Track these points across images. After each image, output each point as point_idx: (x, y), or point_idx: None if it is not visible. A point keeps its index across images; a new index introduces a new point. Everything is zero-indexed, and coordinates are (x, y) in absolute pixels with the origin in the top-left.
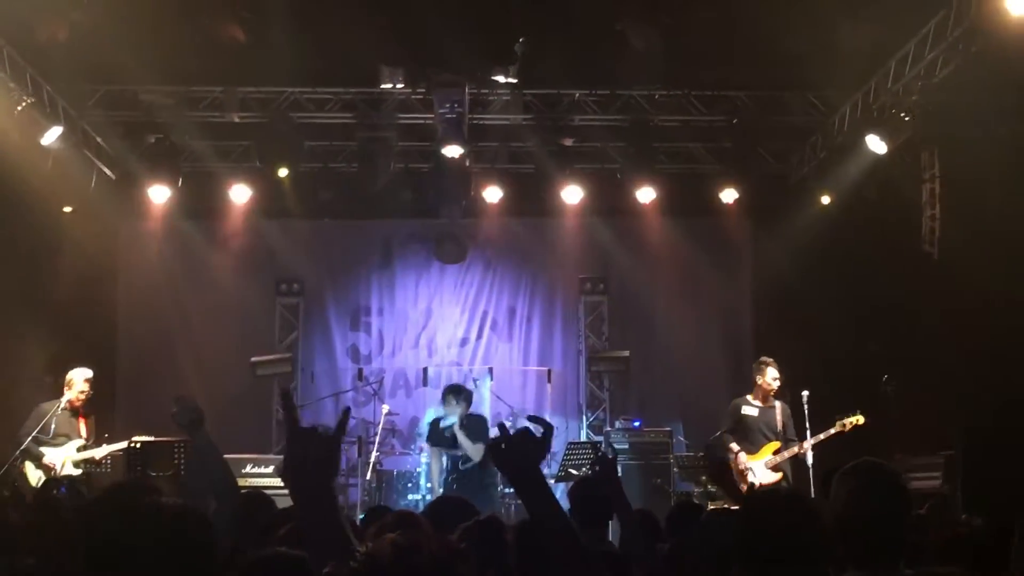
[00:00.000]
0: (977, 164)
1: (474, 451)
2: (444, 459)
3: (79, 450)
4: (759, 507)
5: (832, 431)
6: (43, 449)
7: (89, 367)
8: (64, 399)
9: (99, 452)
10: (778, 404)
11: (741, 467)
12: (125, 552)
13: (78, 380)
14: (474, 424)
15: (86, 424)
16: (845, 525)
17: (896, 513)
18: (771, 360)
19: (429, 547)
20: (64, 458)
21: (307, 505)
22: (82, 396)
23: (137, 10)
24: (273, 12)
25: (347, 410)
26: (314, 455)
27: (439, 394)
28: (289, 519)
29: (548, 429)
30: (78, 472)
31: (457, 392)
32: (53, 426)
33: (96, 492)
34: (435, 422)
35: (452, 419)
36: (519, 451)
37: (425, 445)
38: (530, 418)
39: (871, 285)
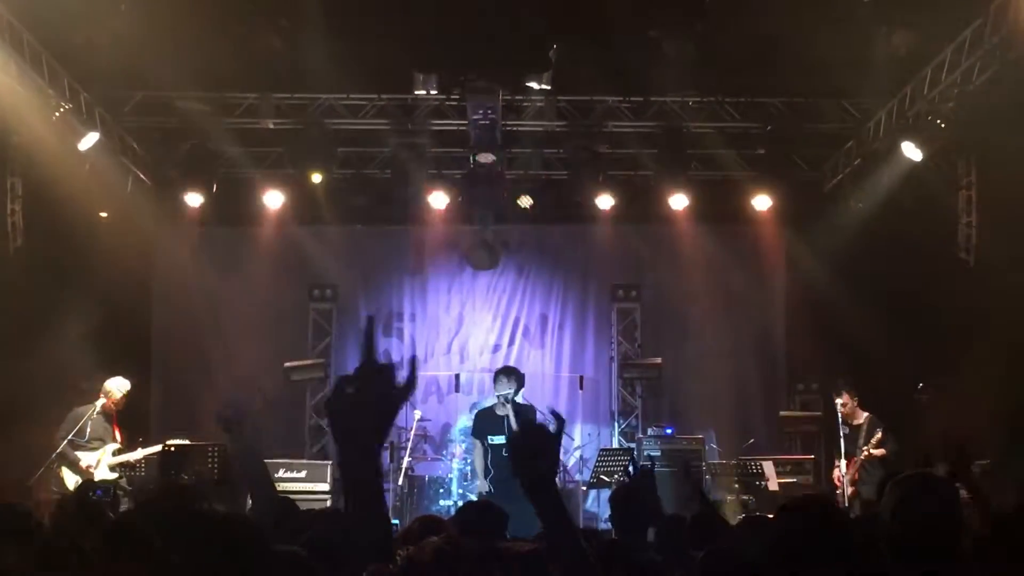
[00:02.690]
0: (1013, 171)
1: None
2: (488, 452)
3: (114, 454)
4: (792, 515)
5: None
6: (79, 453)
7: (123, 372)
8: (99, 403)
9: (134, 456)
10: (865, 421)
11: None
12: (175, 556)
13: (114, 389)
14: (525, 411)
15: (119, 428)
16: (892, 533)
17: (947, 522)
18: (841, 384)
19: (471, 553)
20: (100, 461)
21: (349, 455)
22: (118, 404)
23: (173, 17)
24: (308, 19)
25: (414, 358)
26: (375, 397)
27: (470, 401)
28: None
29: (560, 421)
30: (114, 475)
31: (509, 372)
32: (88, 430)
33: (137, 495)
34: (481, 411)
35: (509, 391)
36: (533, 449)
37: (459, 450)
38: (553, 413)
39: (906, 293)
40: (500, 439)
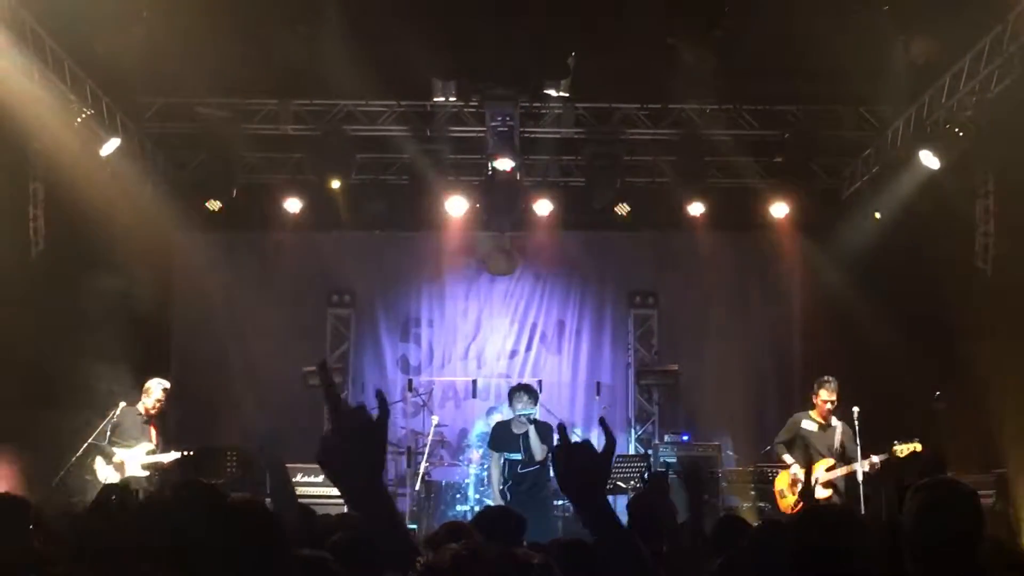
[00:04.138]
0: None
1: (539, 450)
2: (505, 466)
3: (148, 454)
4: (811, 523)
5: (887, 456)
6: (115, 448)
7: (143, 377)
8: (140, 405)
9: (166, 458)
10: (839, 425)
11: (793, 479)
12: (203, 548)
13: (155, 389)
14: (542, 428)
15: (156, 431)
16: (915, 541)
17: (968, 531)
18: (827, 380)
19: (490, 559)
20: (133, 459)
21: (354, 492)
22: (158, 404)
23: (194, 24)
24: (328, 26)
25: (380, 392)
26: (361, 437)
27: (487, 406)
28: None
29: (611, 442)
30: (145, 474)
31: (527, 389)
32: (127, 427)
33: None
34: (499, 425)
35: (532, 410)
36: (579, 466)
37: (476, 455)
38: (601, 421)
39: (923, 301)
40: (517, 456)
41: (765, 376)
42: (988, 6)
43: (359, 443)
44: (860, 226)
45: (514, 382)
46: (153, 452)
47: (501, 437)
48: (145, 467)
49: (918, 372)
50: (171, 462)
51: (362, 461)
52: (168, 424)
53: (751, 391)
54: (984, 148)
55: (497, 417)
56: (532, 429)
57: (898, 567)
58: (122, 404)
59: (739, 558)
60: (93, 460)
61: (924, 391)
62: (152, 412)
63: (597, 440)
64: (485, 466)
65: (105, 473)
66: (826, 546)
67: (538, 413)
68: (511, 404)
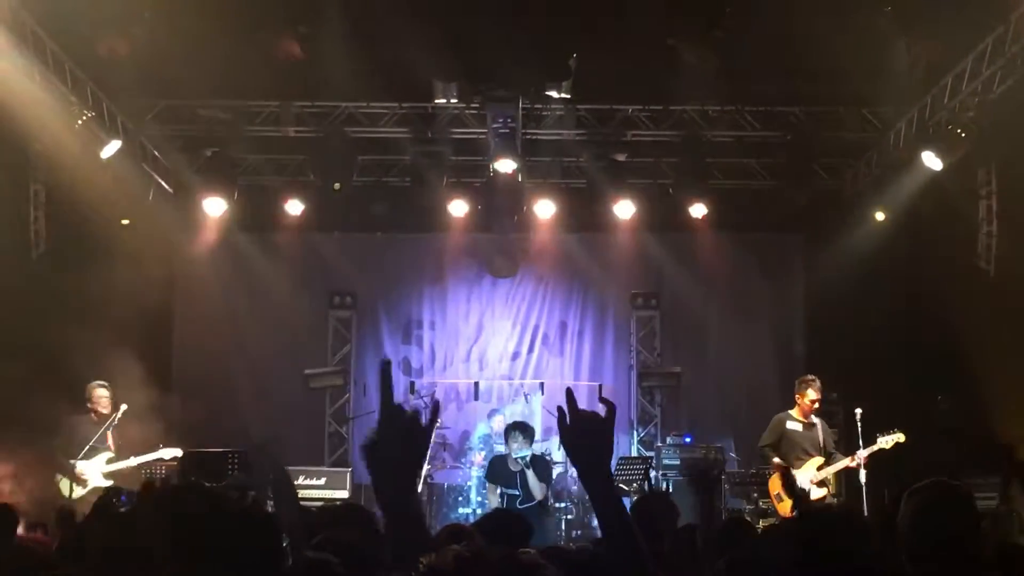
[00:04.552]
0: None
1: (538, 489)
2: (502, 498)
3: (108, 462)
4: (815, 525)
5: (874, 448)
6: (75, 462)
7: (144, 378)
8: (90, 413)
9: (129, 463)
10: (819, 422)
11: (785, 479)
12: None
13: (90, 392)
14: (539, 464)
15: (113, 435)
16: (912, 542)
17: (964, 532)
18: (813, 379)
19: (493, 561)
20: (94, 470)
21: (387, 489)
22: (103, 403)
23: (195, 26)
24: (329, 28)
25: (437, 402)
26: (406, 438)
27: (489, 408)
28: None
29: (611, 409)
30: (108, 483)
31: (524, 429)
32: (82, 437)
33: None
34: (497, 459)
35: (526, 451)
36: (585, 430)
37: (478, 458)
38: (601, 398)
39: (926, 302)
40: (515, 492)
41: (767, 378)
42: (990, 7)
43: (404, 444)
44: (862, 227)
45: (516, 384)
46: (113, 460)
47: (499, 472)
48: (107, 476)
49: (921, 373)
50: (135, 467)
51: (402, 462)
52: (169, 425)
53: (753, 393)
54: (986, 149)
55: (499, 420)
56: (531, 472)
57: (900, 566)
58: (123, 407)
59: (743, 560)
60: (58, 479)
61: (927, 392)
62: (103, 413)
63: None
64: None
65: (67, 487)
66: (830, 547)
67: (528, 447)
68: (506, 442)
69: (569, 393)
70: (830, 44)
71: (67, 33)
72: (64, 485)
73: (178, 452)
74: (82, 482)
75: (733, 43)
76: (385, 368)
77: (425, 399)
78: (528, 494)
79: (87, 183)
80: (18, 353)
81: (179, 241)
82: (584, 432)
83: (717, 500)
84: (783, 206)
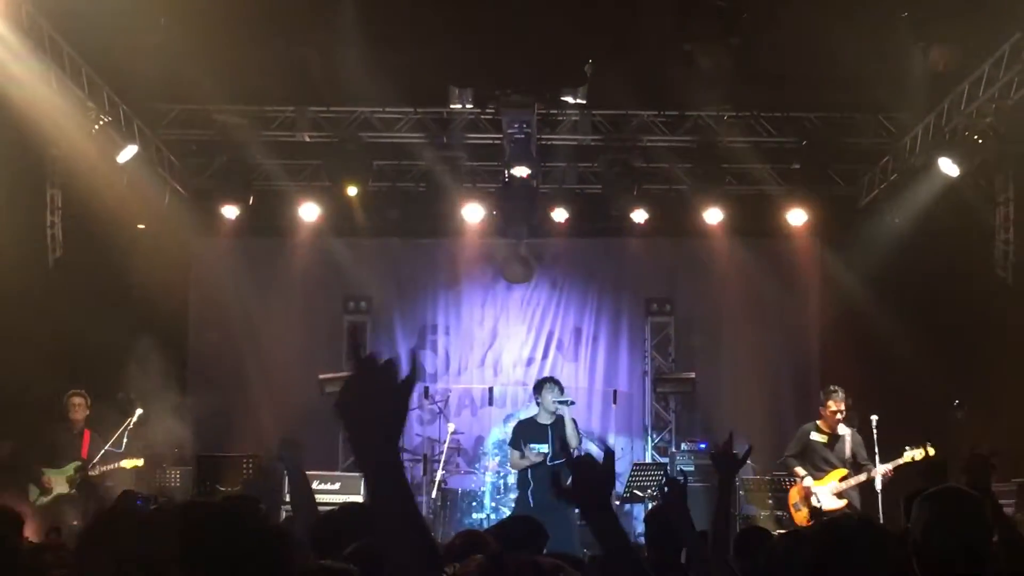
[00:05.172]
0: None
1: (575, 436)
2: (529, 466)
3: (76, 471)
4: (831, 533)
5: (900, 461)
6: (45, 469)
7: (159, 383)
8: (67, 420)
9: (95, 472)
10: (848, 432)
11: (805, 492)
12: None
13: (66, 400)
14: (561, 425)
15: (87, 443)
16: (923, 551)
17: (976, 541)
18: (835, 390)
19: (515, 569)
20: (60, 478)
21: (364, 445)
22: (77, 411)
23: (212, 32)
24: (345, 33)
25: (413, 352)
26: (383, 388)
27: (504, 414)
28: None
29: (609, 455)
30: (71, 491)
31: (556, 380)
32: (57, 445)
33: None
34: (522, 421)
35: (565, 396)
36: (586, 482)
37: (492, 463)
38: (598, 439)
39: (942, 309)
40: (544, 448)
41: (783, 384)
42: (1007, 13)
43: (380, 394)
44: (878, 234)
45: (531, 390)
46: (82, 467)
47: (526, 431)
48: (73, 484)
49: (937, 380)
50: (100, 474)
51: (380, 414)
52: (184, 429)
53: (769, 399)
54: (1003, 155)
55: (513, 424)
56: (567, 412)
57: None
58: (139, 411)
59: (759, 569)
60: (27, 486)
61: (943, 399)
62: (77, 420)
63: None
64: (501, 474)
65: (35, 495)
66: (845, 557)
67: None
68: (540, 395)
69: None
70: (846, 50)
71: (84, 38)
72: (32, 491)
73: (139, 462)
74: (47, 490)
75: (749, 49)
76: (352, 332)
77: (439, 404)
78: (562, 446)
79: (103, 188)
80: (35, 356)
81: (194, 246)
82: (584, 481)
83: (735, 489)
84: (799, 212)
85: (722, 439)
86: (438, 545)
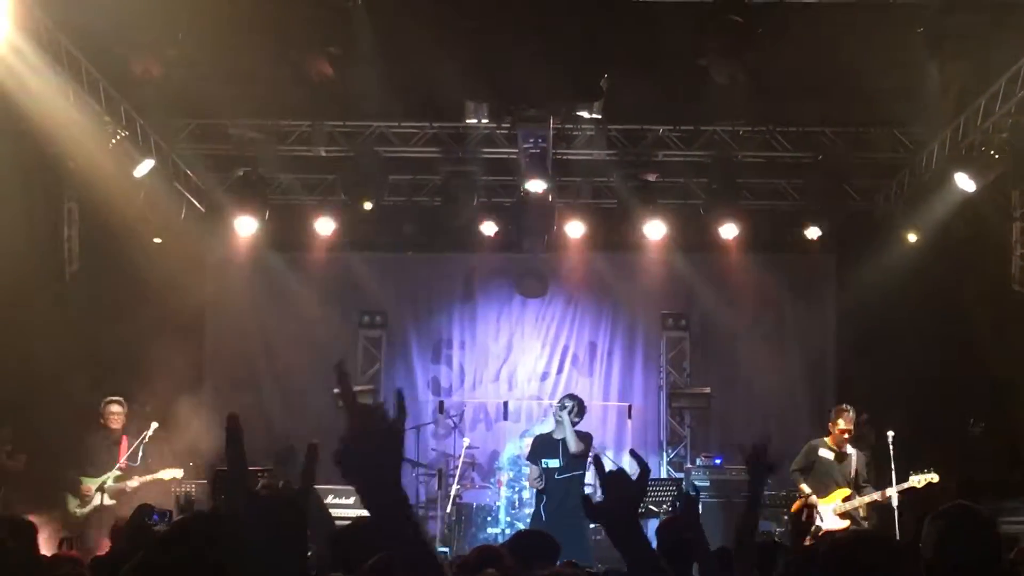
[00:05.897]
0: None
1: (574, 442)
2: (543, 476)
3: (116, 480)
4: (846, 549)
5: (905, 486)
6: (84, 478)
7: (176, 395)
8: (103, 428)
9: (132, 483)
10: (854, 453)
11: (807, 511)
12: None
13: (104, 408)
14: (582, 435)
15: (122, 452)
16: (935, 569)
17: (986, 558)
18: (846, 408)
19: None
20: (100, 488)
21: (371, 492)
22: (114, 420)
23: (228, 47)
24: (361, 48)
25: (399, 392)
26: (377, 437)
27: (519, 429)
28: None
29: (645, 470)
30: (112, 503)
31: (574, 396)
32: (94, 452)
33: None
34: (541, 435)
35: (571, 404)
36: (615, 495)
37: (507, 477)
38: (632, 453)
39: (958, 324)
40: (554, 462)
41: (798, 399)
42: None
43: (373, 443)
44: (894, 249)
45: (545, 404)
46: (121, 478)
47: (542, 445)
48: (112, 495)
49: (953, 397)
50: (136, 487)
51: (376, 461)
52: (200, 443)
53: (784, 414)
54: (1020, 170)
55: (528, 441)
56: (565, 417)
57: None
58: (154, 425)
59: None
60: (65, 496)
61: (960, 416)
62: (115, 428)
63: (630, 467)
64: (516, 489)
65: (75, 504)
66: (859, 571)
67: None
68: (560, 412)
69: (597, 460)
70: (862, 65)
71: (101, 53)
72: (71, 502)
73: (178, 473)
74: (86, 500)
75: (765, 63)
76: (340, 369)
77: (453, 418)
78: (568, 460)
79: (120, 202)
80: (52, 370)
81: (210, 260)
82: (616, 498)
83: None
84: (814, 227)
85: (758, 442)
86: (444, 565)
